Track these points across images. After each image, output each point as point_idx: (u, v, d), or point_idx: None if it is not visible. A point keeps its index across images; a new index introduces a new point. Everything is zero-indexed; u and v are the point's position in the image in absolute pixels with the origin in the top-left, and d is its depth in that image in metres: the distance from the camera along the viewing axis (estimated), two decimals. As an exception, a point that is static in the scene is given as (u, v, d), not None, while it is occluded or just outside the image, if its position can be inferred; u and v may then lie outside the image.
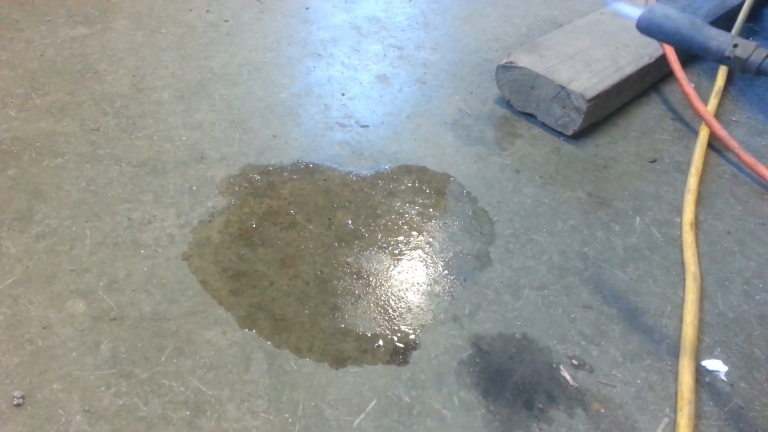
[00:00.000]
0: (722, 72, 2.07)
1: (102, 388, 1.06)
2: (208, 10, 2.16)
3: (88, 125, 1.61)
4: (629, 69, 1.83)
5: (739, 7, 2.28)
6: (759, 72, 0.89)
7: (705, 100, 1.91)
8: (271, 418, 1.06)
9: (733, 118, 1.93)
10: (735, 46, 0.88)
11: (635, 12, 1.03)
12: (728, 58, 0.89)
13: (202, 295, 1.25)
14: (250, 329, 1.20)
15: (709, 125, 1.79)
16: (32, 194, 1.40)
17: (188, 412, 1.05)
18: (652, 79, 2.00)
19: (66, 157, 1.51)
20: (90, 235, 1.33)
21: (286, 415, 1.06)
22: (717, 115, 1.90)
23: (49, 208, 1.38)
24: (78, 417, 1.02)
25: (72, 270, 1.25)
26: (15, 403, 1.02)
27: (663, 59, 1.93)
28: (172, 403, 1.06)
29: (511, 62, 1.80)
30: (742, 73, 0.91)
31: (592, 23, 2.05)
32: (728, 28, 2.27)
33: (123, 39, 1.96)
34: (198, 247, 1.34)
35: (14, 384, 1.05)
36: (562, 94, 1.71)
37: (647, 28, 0.96)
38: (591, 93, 1.68)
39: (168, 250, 1.32)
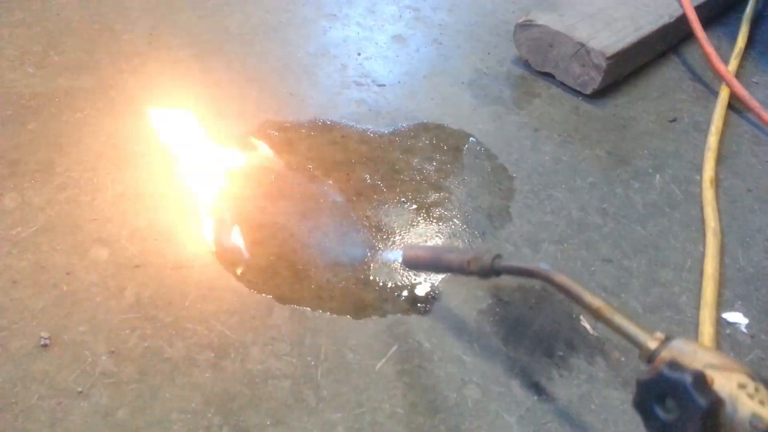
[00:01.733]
0: (743, 34, 2.04)
1: (127, 331, 1.08)
2: (222, -28, 2.14)
3: (107, 82, 1.61)
4: (649, 28, 1.80)
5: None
6: (492, 271, 0.99)
7: (725, 62, 1.89)
8: (294, 360, 1.07)
9: (754, 80, 1.91)
10: (469, 262, 1.00)
11: (397, 255, 1.17)
12: (470, 270, 1.01)
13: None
14: (272, 278, 1.20)
15: (729, 85, 1.77)
16: (53, 147, 1.40)
17: (213, 354, 1.06)
18: (671, 40, 1.97)
19: (85, 112, 1.51)
20: (111, 187, 1.33)
21: (309, 359, 1.07)
22: (737, 76, 1.87)
23: (70, 160, 1.38)
24: (104, 357, 1.04)
25: (94, 219, 1.26)
26: (42, 343, 1.04)
27: (683, 20, 1.90)
28: (197, 345, 1.07)
29: (529, 21, 1.78)
30: (484, 279, 1.02)
31: (611, -16, 2.02)
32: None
33: (138, -1, 1.95)
34: (219, 199, 1.34)
35: (41, 325, 1.07)
36: (581, 51, 1.69)
37: (410, 263, 1.09)
38: (611, 50, 1.65)
39: (189, 201, 1.33)
